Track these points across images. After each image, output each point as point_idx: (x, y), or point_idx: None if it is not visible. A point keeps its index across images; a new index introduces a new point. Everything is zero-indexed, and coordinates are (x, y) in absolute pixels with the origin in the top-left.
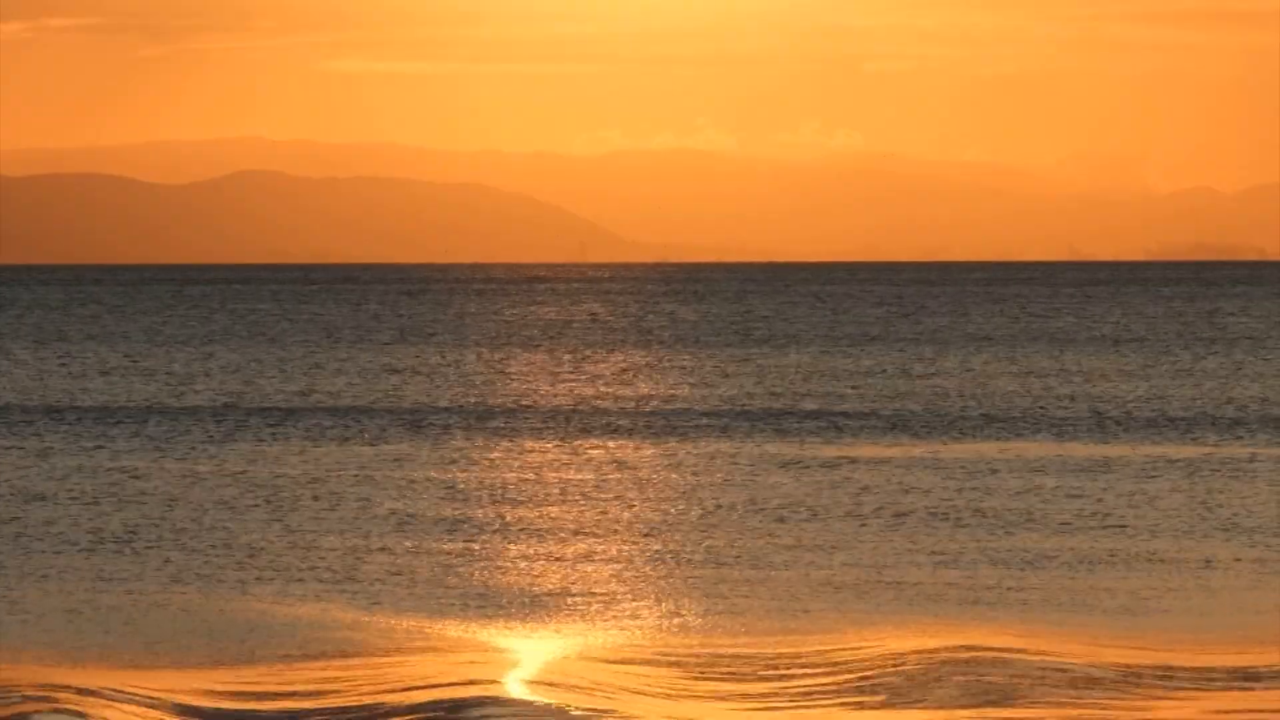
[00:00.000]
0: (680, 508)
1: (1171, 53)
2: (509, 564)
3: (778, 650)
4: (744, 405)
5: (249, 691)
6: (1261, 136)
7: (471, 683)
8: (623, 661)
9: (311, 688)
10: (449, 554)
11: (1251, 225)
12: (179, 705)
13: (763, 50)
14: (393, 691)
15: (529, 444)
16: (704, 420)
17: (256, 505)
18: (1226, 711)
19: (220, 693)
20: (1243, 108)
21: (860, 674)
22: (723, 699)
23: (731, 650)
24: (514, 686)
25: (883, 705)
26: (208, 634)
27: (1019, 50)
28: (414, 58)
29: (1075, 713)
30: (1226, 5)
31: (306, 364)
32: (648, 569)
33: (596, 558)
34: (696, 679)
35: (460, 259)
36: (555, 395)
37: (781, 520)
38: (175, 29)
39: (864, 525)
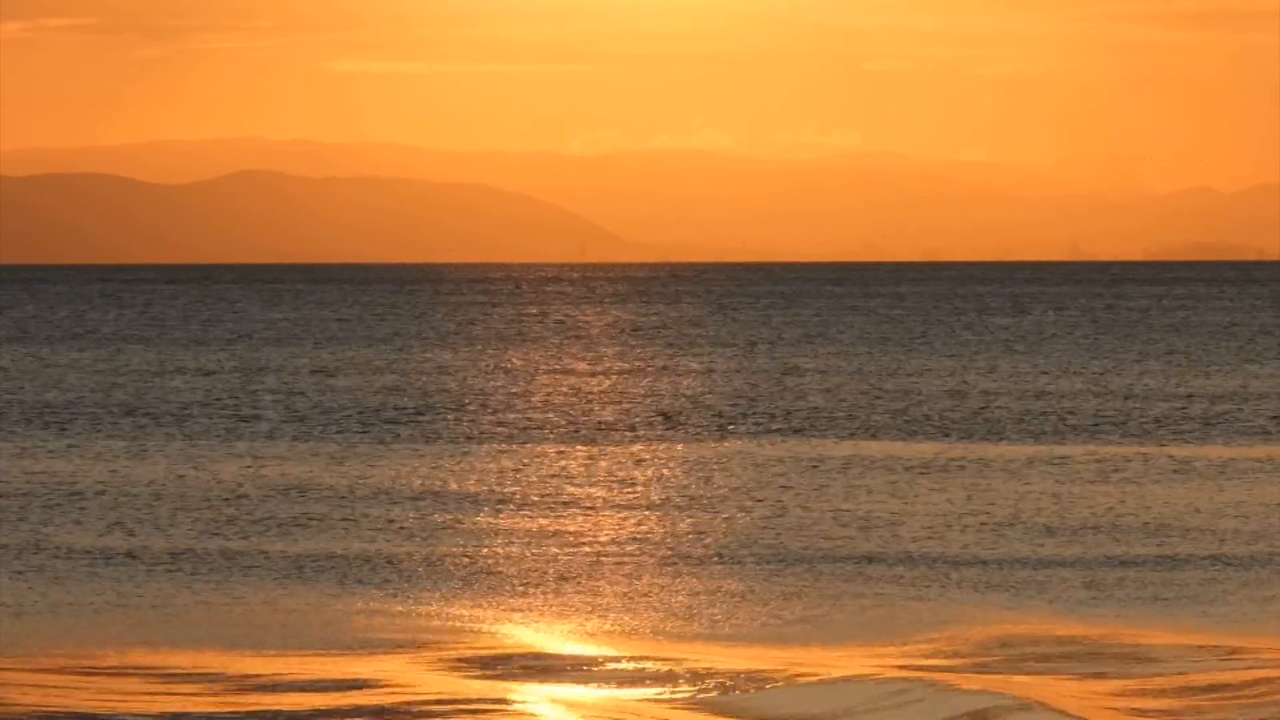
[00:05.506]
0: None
1: (1171, 53)
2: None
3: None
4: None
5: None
6: (1261, 137)
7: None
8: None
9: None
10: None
11: (1251, 225)
12: None
13: (762, 50)
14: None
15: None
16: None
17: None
18: None
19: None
20: (1242, 108)
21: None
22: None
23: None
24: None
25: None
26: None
27: (1019, 50)
28: (414, 58)
29: None
30: (1225, 5)
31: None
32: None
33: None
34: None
35: (460, 259)
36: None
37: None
38: (173, 29)
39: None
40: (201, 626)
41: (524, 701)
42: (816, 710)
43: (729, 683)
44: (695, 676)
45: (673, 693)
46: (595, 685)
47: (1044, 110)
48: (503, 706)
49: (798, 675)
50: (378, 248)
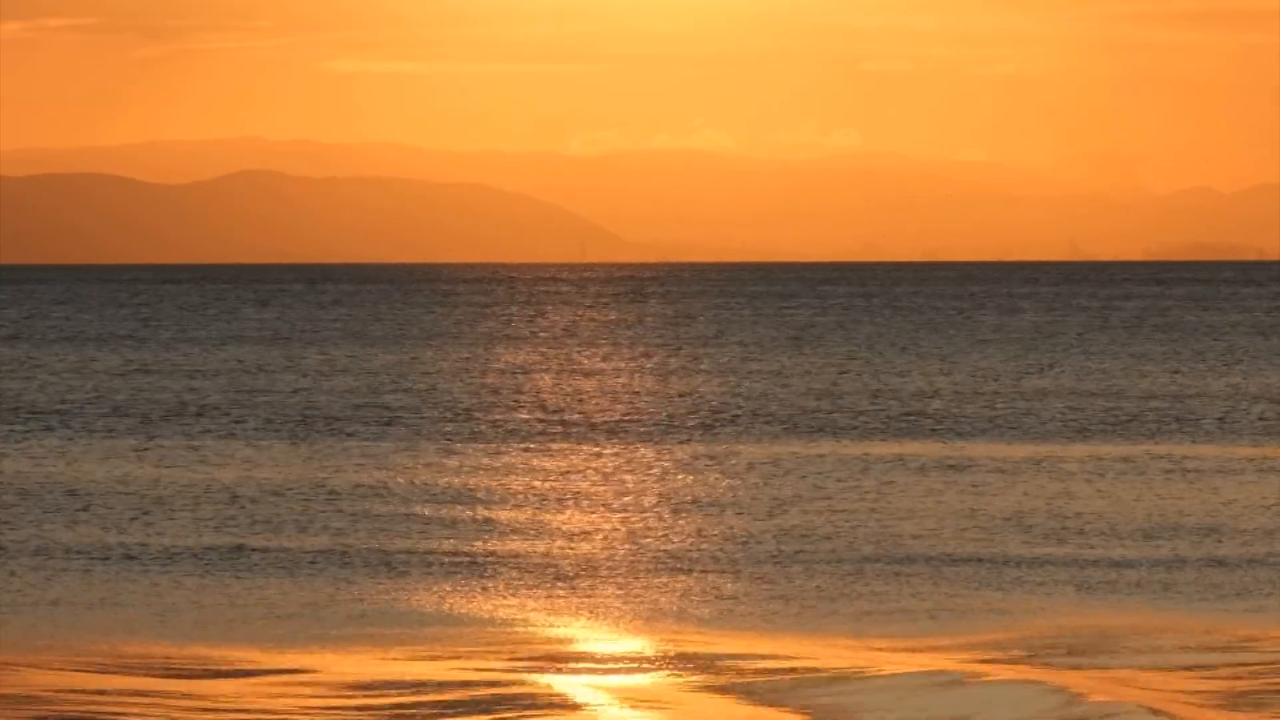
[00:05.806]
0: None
1: (1171, 53)
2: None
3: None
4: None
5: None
6: (1261, 137)
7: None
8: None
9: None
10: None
11: (1251, 225)
12: None
13: (762, 50)
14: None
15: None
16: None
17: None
18: None
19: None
20: (1242, 108)
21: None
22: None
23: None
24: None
25: None
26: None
27: (1018, 50)
28: (414, 58)
29: None
30: (1225, 5)
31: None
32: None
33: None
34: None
35: (460, 259)
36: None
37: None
38: (173, 29)
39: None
40: (199, 626)
41: (559, 693)
42: (931, 710)
43: (761, 679)
44: (780, 671)
45: (780, 695)
46: (629, 675)
47: (1044, 110)
48: (538, 700)
49: (822, 672)
50: (378, 248)
